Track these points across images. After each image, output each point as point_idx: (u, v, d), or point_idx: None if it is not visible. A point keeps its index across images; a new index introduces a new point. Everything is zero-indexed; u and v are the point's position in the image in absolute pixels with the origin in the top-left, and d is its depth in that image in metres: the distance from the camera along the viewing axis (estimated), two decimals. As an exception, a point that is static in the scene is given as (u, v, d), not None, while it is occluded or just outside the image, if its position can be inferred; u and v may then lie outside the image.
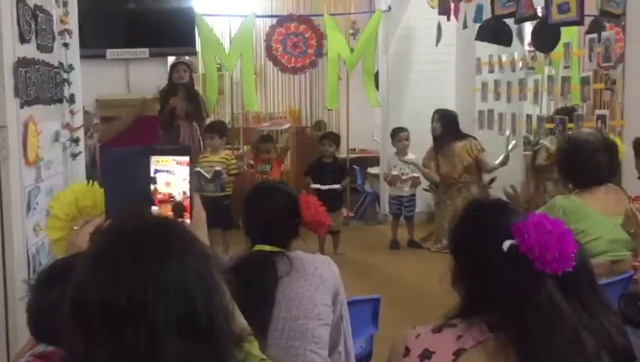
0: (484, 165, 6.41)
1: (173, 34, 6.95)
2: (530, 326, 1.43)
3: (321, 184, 6.57)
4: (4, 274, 2.56)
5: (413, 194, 6.98)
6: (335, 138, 7.04)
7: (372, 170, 8.46)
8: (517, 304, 1.45)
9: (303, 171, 6.97)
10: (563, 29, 5.14)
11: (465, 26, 6.67)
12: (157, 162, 1.28)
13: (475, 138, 6.60)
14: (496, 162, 6.24)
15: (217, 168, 6.15)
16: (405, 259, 6.48)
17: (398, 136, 6.98)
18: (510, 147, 6.13)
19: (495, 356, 1.44)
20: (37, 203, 2.96)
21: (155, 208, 1.28)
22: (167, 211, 1.28)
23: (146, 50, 6.77)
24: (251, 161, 7.11)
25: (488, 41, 6.16)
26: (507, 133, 6.55)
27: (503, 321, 1.46)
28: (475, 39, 6.25)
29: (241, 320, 1.25)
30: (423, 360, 1.48)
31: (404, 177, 6.84)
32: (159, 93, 6.58)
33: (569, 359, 1.43)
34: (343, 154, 8.53)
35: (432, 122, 6.62)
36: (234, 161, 6.48)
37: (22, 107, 2.81)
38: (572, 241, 1.46)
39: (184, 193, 1.29)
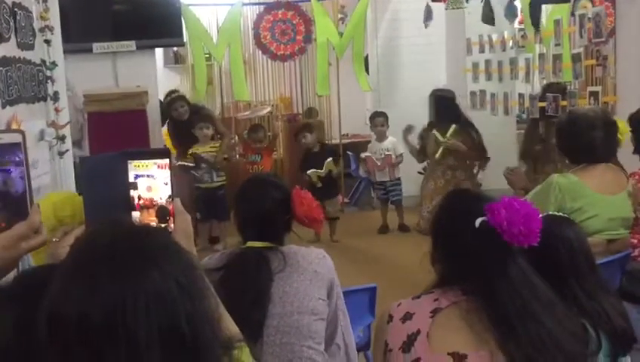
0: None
1: (160, 25, 6.85)
2: (500, 293, 1.57)
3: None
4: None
5: (398, 179, 6.89)
6: (307, 128, 6.80)
7: (365, 155, 8.39)
8: (488, 274, 1.59)
9: (298, 167, 6.79)
10: (554, 7, 5.08)
11: (448, 7, 6.65)
12: (137, 167, 1.23)
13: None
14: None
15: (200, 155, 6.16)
16: (397, 244, 6.43)
17: (374, 121, 6.89)
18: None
19: (468, 314, 1.57)
20: (25, 204, 2.90)
21: (136, 214, 1.24)
22: (151, 216, 1.23)
23: (133, 42, 6.67)
24: (242, 151, 7.04)
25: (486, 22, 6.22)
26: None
27: (476, 289, 1.60)
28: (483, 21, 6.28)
29: (230, 327, 1.20)
30: (405, 321, 1.63)
31: (379, 163, 6.76)
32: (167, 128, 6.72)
33: (543, 322, 1.54)
34: (335, 140, 8.48)
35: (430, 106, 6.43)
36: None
37: (4, 107, 2.76)
38: (537, 219, 1.59)
39: (167, 197, 1.24)
